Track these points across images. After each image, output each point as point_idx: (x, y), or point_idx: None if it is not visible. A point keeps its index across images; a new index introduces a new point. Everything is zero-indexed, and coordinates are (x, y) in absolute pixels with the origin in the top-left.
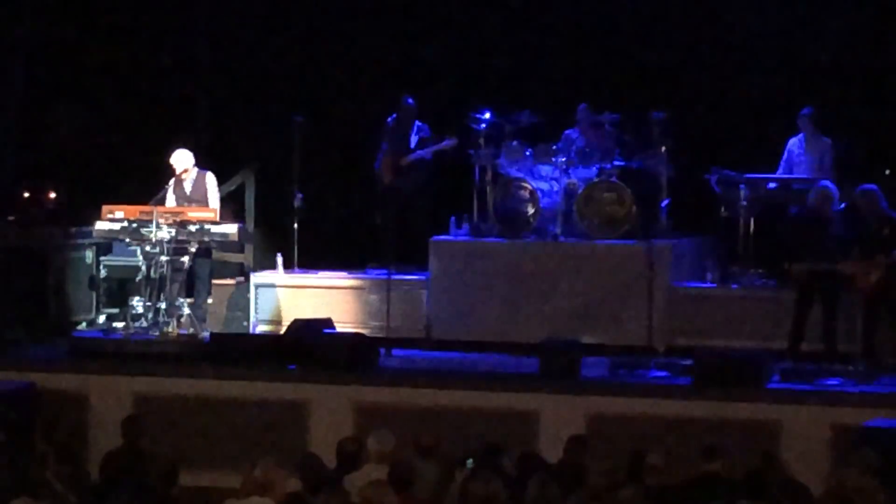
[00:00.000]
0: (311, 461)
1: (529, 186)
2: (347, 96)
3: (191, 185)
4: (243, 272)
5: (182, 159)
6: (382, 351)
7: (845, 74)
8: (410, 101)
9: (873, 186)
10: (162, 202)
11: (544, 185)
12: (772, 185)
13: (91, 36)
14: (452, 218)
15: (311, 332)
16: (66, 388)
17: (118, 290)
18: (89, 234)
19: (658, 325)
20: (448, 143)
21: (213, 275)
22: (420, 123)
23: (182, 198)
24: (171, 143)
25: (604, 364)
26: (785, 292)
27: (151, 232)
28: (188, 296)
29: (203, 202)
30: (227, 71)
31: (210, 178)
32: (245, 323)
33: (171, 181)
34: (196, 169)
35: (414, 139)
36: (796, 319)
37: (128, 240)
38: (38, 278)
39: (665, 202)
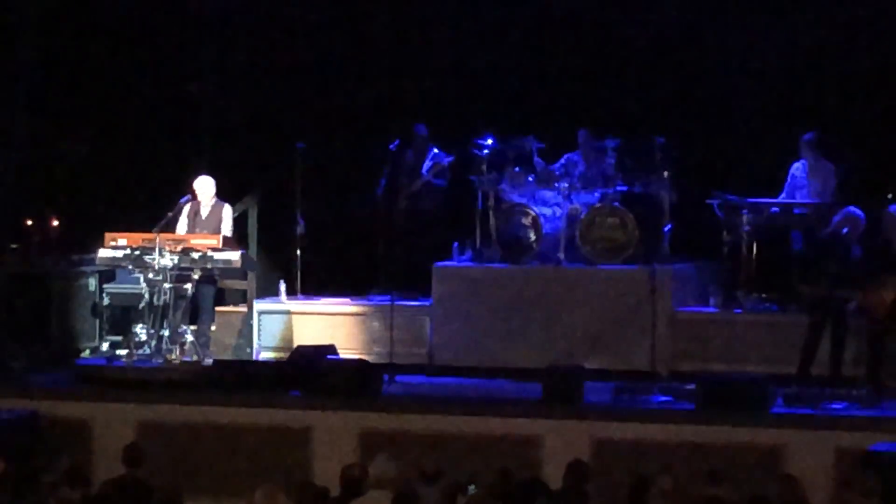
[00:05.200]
0: (308, 489)
1: (532, 212)
2: (349, 124)
3: (207, 212)
4: (246, 299)
5: (204, 186)
6: (386, 377)
7: (848, 98)
8: (423, 129)
9: None
10: (172, 224)
11: (547, 211)
12: (774, 209)
13: (94, 64)
14: (455, 244)
15: (315, 358)
16: (69, 415)
17: (121, 317)
18: (92, 262)
19: (661, 350)
20: (447, 161)
21: (216, 302)
22: (437, 151)
23: (195, 223)
24: (174, 171)
25: (607, 389)
26: (788, 316)
27: (154, 259)
28: (191, 323)
29: (215, 232)
30: (229, 99)
31: (227, 210)
32: (248, 350)
33: (187, 207)
34: (214, 199)
35: (427, 165)
36: (807, 342)
37: (131, 267)
38: (42, 306)
39: (668, 227)
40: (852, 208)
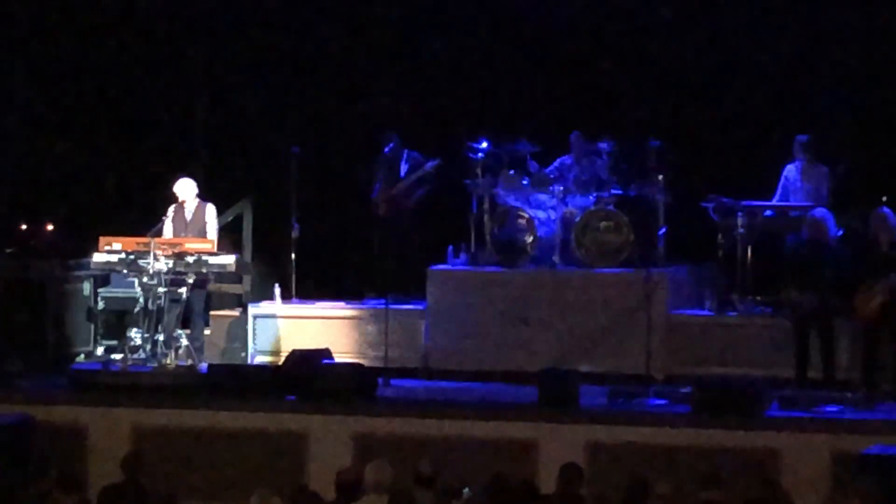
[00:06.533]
0: (303, 493)
1: (527, 215)
2: (344, 127)
3: (191, 214)
4: (241, 303)
5: (185, 188)
6: (381, 381)
7: (842, 101)
8: (394, 135)
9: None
10: (160, 232)
11: (542, 214)
12: (769, 212)
13: (88, 69)
14: (450, 247)
15: (310, 362)
16: (63, 420)
17: (116, 321)
18: (87, 266)
19: (656, 354)
20: (430, 165)
21: (210, 306)
22: (410, 152)
23: (181, 227)
24: (169, 176)
25: (602, 393)
26: (782, 320)
27: (149, 263)
28: (186, 327)
29: (201, 232)
30: (224, 103)
31: (210, 210)
32: (243, 354)
33: (171, 209)
34: (197, 199)
35: (404, 168)
36: (797, 347)
37: (126, 271)
38: (37, 310)
39: (662, 230)
40: (821, 210)
